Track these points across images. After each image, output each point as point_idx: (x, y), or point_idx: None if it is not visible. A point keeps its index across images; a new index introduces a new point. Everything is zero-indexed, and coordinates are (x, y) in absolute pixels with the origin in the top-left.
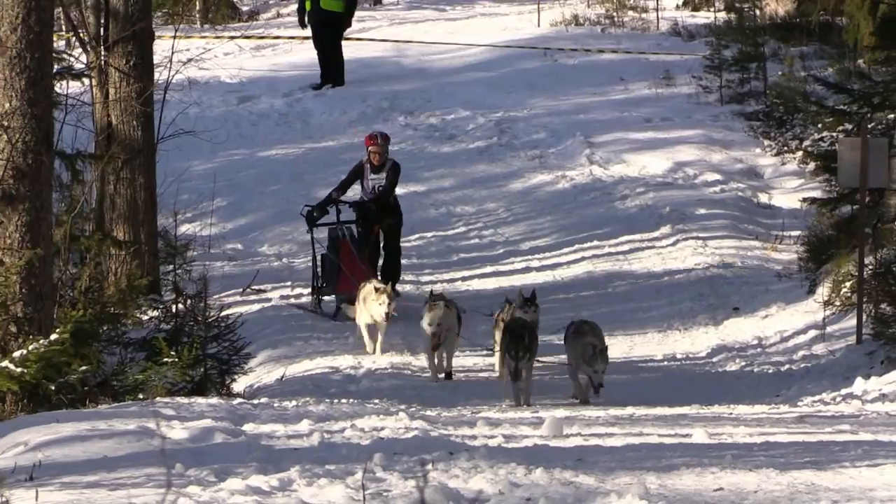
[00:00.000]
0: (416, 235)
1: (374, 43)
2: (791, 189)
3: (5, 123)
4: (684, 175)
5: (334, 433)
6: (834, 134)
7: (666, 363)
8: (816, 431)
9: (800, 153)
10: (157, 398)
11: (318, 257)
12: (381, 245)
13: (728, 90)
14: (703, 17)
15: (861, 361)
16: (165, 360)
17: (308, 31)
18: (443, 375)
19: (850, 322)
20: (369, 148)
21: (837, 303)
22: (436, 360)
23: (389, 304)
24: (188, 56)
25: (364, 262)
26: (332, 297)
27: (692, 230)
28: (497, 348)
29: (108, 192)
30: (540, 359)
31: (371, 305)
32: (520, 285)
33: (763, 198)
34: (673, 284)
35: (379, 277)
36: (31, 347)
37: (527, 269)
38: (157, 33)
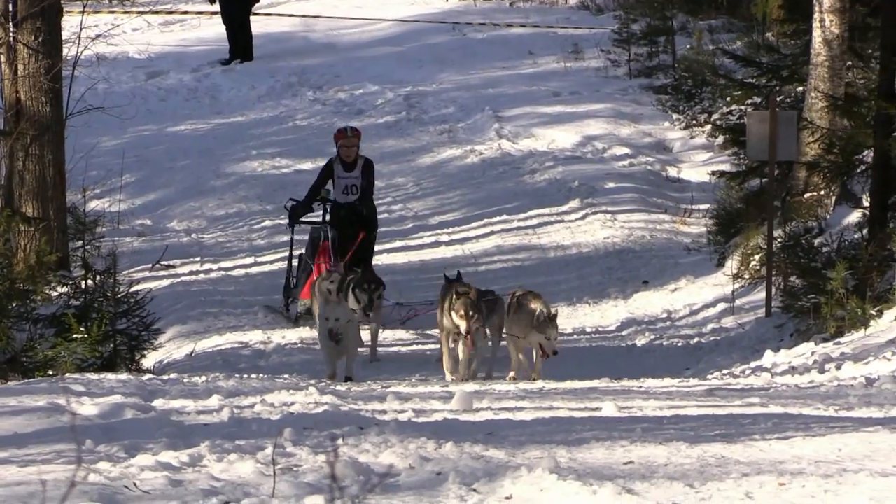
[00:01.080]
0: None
1: (283, 18)
2: (700, 162)
3: None
4: (593, 149)
5: (244, 408)
6: (742, 107)
7: (575, 337)
8: (726, 404)
9: (708, 126)
10: (67, 374)
11: (297, 257)
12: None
13: (637, 64)
14: None
15: (770, 334)
16: (75, 336)
17: (216, 7)
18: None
19: (760, 295)
20: (339, 143)
21: (746, 276)
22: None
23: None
24: (97, 32)
25: (339, 267)
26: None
27: (601, 204)
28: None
29: (17, 169)
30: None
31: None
32: (429, 259)
33: (672, 171)
34: (582, 258)
35: None
36: None
37: (436, 244)
38: (65, 9)
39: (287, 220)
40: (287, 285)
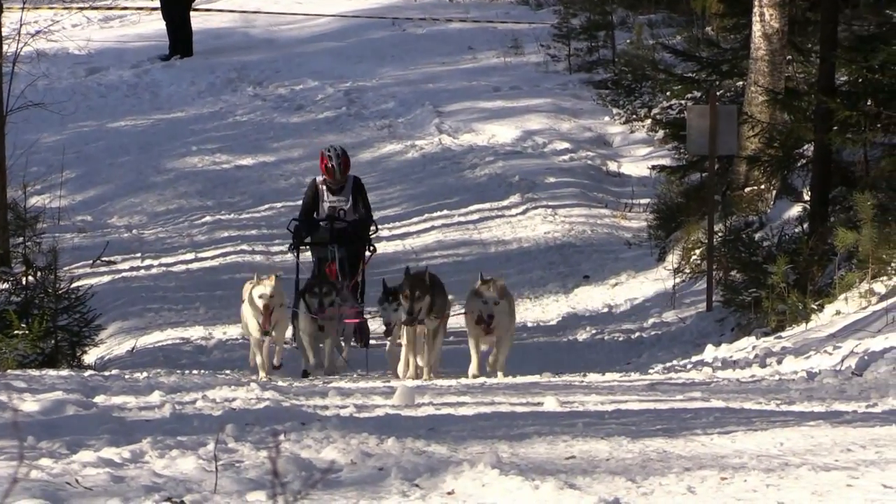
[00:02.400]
0: (266, 206)
1: (223, 13)
2: (640, 157)
3: None
4: (533, 144)
5: (186, 404)
6: (683, 101)
7: (516, 331)
8: (668, 399)
9: (648, 121)
10: (8, 371)
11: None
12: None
13: (577, 59)
14: None
15: (711, 328)
16: (16, 332)
17: (156, 2)
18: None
19: (700, 289)
20: (326, 178)
21: (687, 270)
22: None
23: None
24: (37, 28)
25: (349, 289)
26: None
27: (541, 199)
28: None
29: None
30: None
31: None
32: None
33: (612, 166)
34: (523, 253)
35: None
36: None
37: (376, 239)
38: (5, 5)
39: (290, 244)
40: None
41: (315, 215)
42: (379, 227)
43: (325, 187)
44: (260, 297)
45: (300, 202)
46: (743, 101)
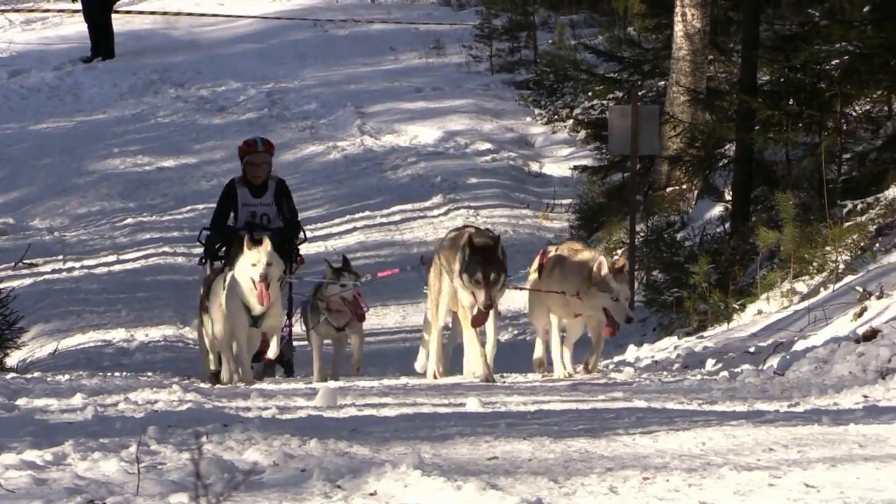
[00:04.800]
0: (188, 208)
1: (144, 15)
2: (562, 157)
3: None
4: (456, 144)
5: (108, 407)
6: (604, 102)
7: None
8: (590, 399)
9: (570, 121)
10: None
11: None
12: None
13: (499, 59)
14: None
15: (633, 328)
16: None
17: (78, 5)
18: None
19: None
20: (246, 159)
21: None
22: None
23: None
24: None
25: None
26: None
27: (464, 199)
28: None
29: None
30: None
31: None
32: None
33: (534, 166)
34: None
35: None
36: None
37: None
38: None
39: (201, 256)
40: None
41: (233, 222)
42: (307, 234)
43: (244, 188)
44: (254, 265)
45: None
46: (665, 101)
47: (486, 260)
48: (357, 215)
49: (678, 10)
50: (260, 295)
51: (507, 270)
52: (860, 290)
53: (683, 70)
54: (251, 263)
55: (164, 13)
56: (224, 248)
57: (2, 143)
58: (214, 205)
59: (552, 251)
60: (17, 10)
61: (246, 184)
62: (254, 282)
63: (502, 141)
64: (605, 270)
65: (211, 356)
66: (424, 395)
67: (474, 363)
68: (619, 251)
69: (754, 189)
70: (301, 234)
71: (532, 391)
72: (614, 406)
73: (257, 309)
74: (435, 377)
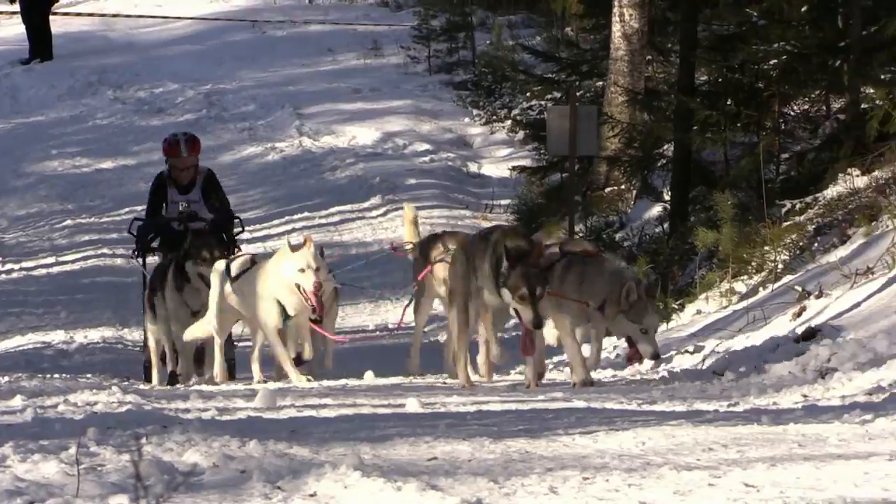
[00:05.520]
0: (126, 209)
1: (82, 17)
2: (501, 158)
3: None
4: (394, 145)
5: (47, 408)
6: (542, 102)
7: (378, 333)
8: (529, 399)
9: (509, 122)
10: None
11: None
12: None
13: (436, 60)
14: None
15: None
16: None
17: (15, 6)
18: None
19: None
20: (169, 161)
21: None
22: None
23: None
24: None
25: None
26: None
27: (403, 200)
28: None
29: None
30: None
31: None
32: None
33: (473, 167)
34: (384, 255)
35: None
36: None
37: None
38: None
39: (134, 248)
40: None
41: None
42: (245, 224)
43: (173, 185)
44: (302, 270)
45: None
46: (603, 101)
47: (528, 270)
48: (296, 216)
49: (616, 10)
50: (313, 302)
51: (547, 279)
52: (799, 289)
53: (621, 70)
54: (299, 269)
55: (102, 15)
56: (156, 240)
57: None
58: None
59: (549, 243)
60: None
61: (172, 179)
62: (298, 287)
63: (441, 142)
64: (634, 297)
65: (169, 354)
66: (364, 396)
67: (462, 371)
68: None
69: (693, 189)
70: (238, 224)
71: (472, 392)
72: (554, 406)
73: (293, 310)
74: (469, 384)
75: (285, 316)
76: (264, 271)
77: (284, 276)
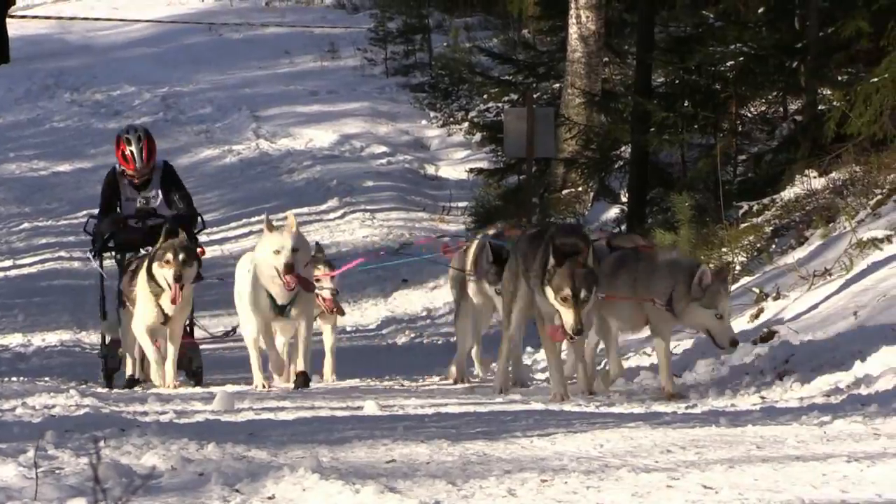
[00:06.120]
0: (84, 212)
1: (39, 20)
2: (458, 160)
3: None
4: (351, 148)
5: (5, 412)
6: (500, 104)
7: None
8: (488, 402)
9: (466, 124)
10: None
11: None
12: None
13: (393, 62)
14: None
15: (531, 330)
16: None
17: None
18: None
19: None
20: (122, 169)
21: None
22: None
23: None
24: None
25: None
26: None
27: (360, 203)
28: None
29: None
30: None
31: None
32: None
33: (430, 169)
34: (341, 257)
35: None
36: None
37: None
38: None
39: (91, 248)
40: (104, 341)
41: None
42: (205, 222)
43: (126, 181)
44: (277, 252)
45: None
46: (560, 103)
47: (574, 271)
48: (253, 219)
49: (573, 12)
50: (286, 285)
51: (598, 281)
52: (757, 291)
53: (578, 72)
54: (274, 250)
55: (59, 17)
56: (114, 239)
57: None
58: None
59: (598, 237)
60: None
61: (126, 176)
62: (277, 271)
63: (398, 144)
64: (708, 280)
65: (129, 358)
66: (322, 399)
67: (554, 383)
68: None
69: (650, 191)
70: (200, 222)
71: (430, 394)
72: (512, 408)
73: (282, 298)
74: (503, 392)
75: (276, 308)
76: (247, 258)
77: (261, 260)
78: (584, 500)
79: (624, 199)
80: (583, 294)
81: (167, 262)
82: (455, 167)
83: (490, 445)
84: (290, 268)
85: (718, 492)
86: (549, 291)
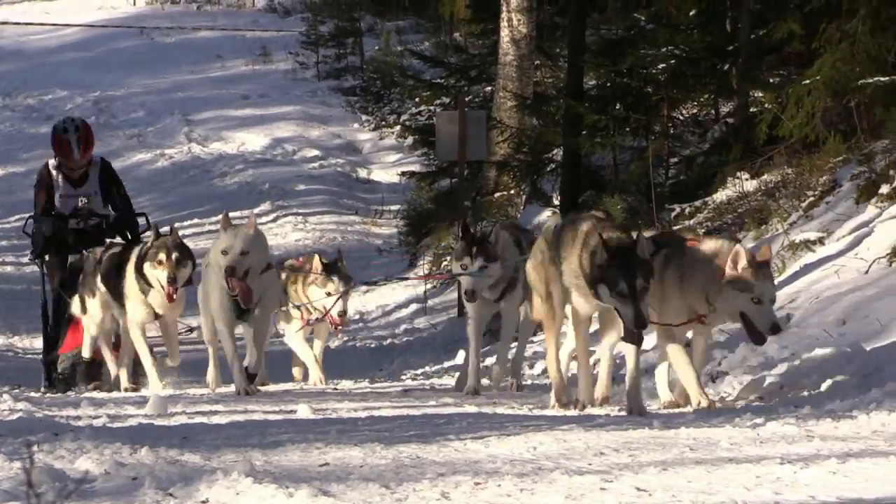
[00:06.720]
0: (16, 217)
1: None
2: (390, 164)
3: None
4: (283, 151)
5: None
6: (431, 108)
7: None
8: (421, 405)
9: (398, 128)
10: None
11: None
12: None
13: (325, 66)
14: None
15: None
16: None
17: None
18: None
19: (451, 295)
20: (60, 160)
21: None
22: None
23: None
24: None
25: None
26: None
27: (292, 206)
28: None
29: None
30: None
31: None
32: None
33: (362, 173)
34: (274, 261)
35: None
36: None
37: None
38: None
39: (33, 251)
40: (47, 344)
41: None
42: (150, 221)
43: (60, 176)
44: (224, 252)
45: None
46: (492, 106)
47: (629, 264)
48: (186, 223)
49: (504, 15)
50: (241, 295)
51: (652, 272)
52: None
53: (510, 75)
54: (221, 250)
55: None
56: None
57: None
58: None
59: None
60: None
61: (61, 172)
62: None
63: (330, 147)
64: (743, 262)
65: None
66: (255, 403)
67: (581, 389)
68: (448, 257)
69: (582, 193)
70: (145, 221)
71: (363, 398)
72: (445, 412)
73: (226, 317)
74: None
75: (238, 310)
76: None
77: (213, 260)
78: (517, 502)
79: (556, 202)
80: (640, 285)
81: (160, 262)
82: (387, 170)
83: (424, 448)
84: (231, 270)
85: (652, 494)
86: (603, 289)
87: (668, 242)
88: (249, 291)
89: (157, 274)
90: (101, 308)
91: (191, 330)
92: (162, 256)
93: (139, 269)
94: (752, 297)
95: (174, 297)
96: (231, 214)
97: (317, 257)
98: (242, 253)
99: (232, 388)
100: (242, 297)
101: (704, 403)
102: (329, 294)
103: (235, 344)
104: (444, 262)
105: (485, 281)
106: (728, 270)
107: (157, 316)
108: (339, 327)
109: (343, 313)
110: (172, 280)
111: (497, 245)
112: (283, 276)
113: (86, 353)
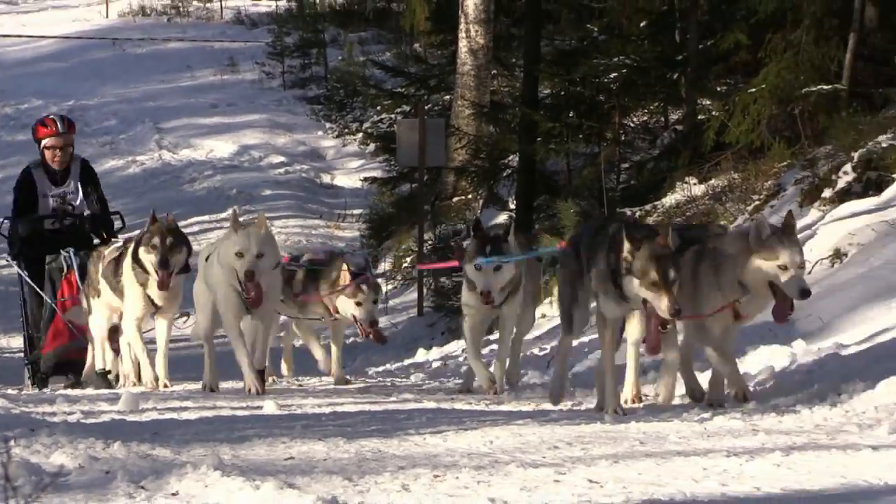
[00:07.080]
0: None
1: None
2: (353, 169)
3: None
4: (250, 158)
5: None
6: (393, 116)
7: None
8: (382, 401)
9: (360, 135)
10: None
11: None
12: None
13: (291, 76)
14: (266, 5)
15: (423, 332)
16: None
17: None
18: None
19: (412, 296)
20: (44, 142)
21: (399, 277)
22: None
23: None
24: None
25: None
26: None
27: (259, 210)
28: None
29: None
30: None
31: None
32: None
33: (326, 178)
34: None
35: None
36: None
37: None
38: None
39: (10, 251)
40: (28, 344)
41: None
42: (126, 221)
43: (44, 176)
44: (239, 254)
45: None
46: (450, 114)
47: (657, 251)
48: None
49: (462, 26)
50: (255, 297)
51: (679, 265)
52: None
53: (468, 84)
54: (235, 252)
55: None
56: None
57: None
58: None
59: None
60: None
61: (44, 170)
62: (237, 275)
63: (295, 154)
64: (766, 231)
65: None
66: (223, 399)
67: (608, 395)
68: (408, 259)
69: (537, 198)
70: (120, 221)
71: (327, 394)
72: (405, 407)
73: (236, 316)
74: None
75: (245, 307)
76: (216, 255)
77: (224, 261)
78: (474, 494)
79: (512, 206)
80: (671, 274)
81: (153, 246)
82: (350, 176)
83: (385, 443)
84: (250, 275)
85: (604, 486)
86: (632, 282)
87: (694, 235)
88: (261, 294)
89: (151, 259)
90: (108, 310)
91: (187, 315)
92: (156, 240)
93: (136, 257)
94: (778, 265)
95: (167, 282)
96: (199, 219)
97: (345, 266)
98: (258, 256)
99: (198, 385)
100: (255, 300)
101: (748, 396)
102: (359, 304)
103: (244, 339)
104: (405, 265)
105: (499, 281)
106: (753, 243)
107: (156, 308)
108: (371, 337)
109: (374, 322)
110: (165, 263)
111: (510, 245)
112: (301, 274)
113: (99, 364)
